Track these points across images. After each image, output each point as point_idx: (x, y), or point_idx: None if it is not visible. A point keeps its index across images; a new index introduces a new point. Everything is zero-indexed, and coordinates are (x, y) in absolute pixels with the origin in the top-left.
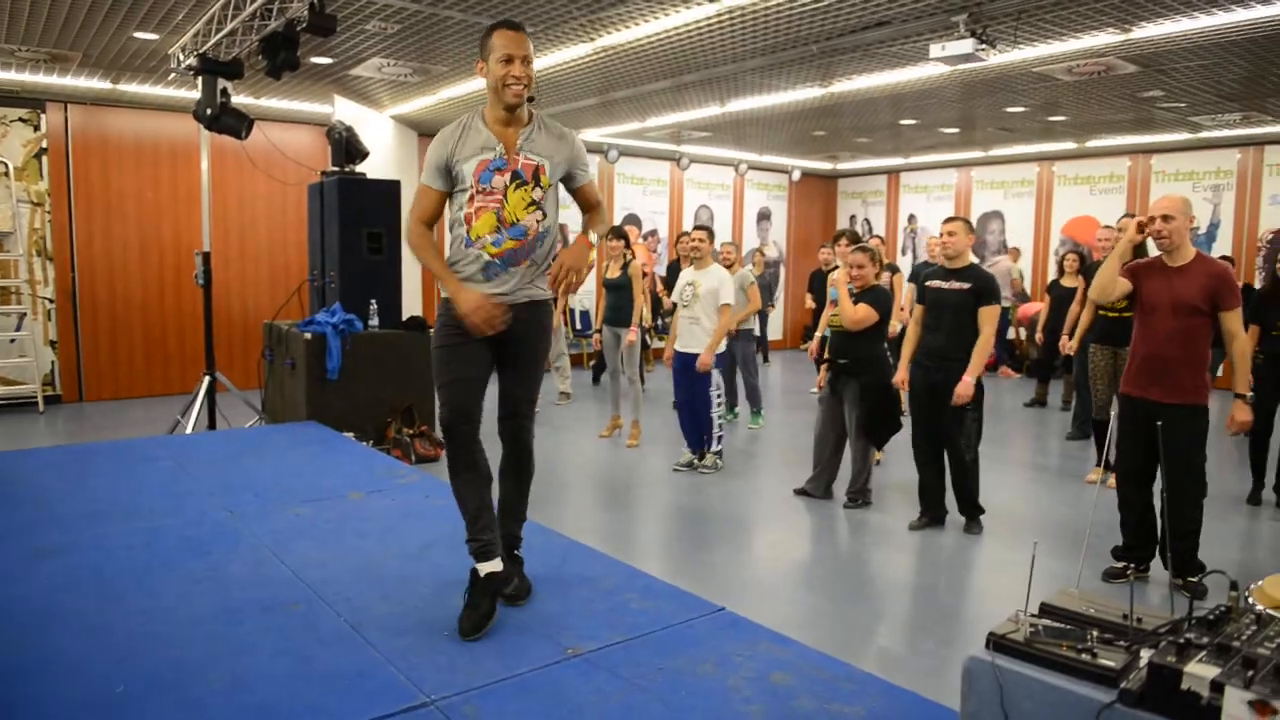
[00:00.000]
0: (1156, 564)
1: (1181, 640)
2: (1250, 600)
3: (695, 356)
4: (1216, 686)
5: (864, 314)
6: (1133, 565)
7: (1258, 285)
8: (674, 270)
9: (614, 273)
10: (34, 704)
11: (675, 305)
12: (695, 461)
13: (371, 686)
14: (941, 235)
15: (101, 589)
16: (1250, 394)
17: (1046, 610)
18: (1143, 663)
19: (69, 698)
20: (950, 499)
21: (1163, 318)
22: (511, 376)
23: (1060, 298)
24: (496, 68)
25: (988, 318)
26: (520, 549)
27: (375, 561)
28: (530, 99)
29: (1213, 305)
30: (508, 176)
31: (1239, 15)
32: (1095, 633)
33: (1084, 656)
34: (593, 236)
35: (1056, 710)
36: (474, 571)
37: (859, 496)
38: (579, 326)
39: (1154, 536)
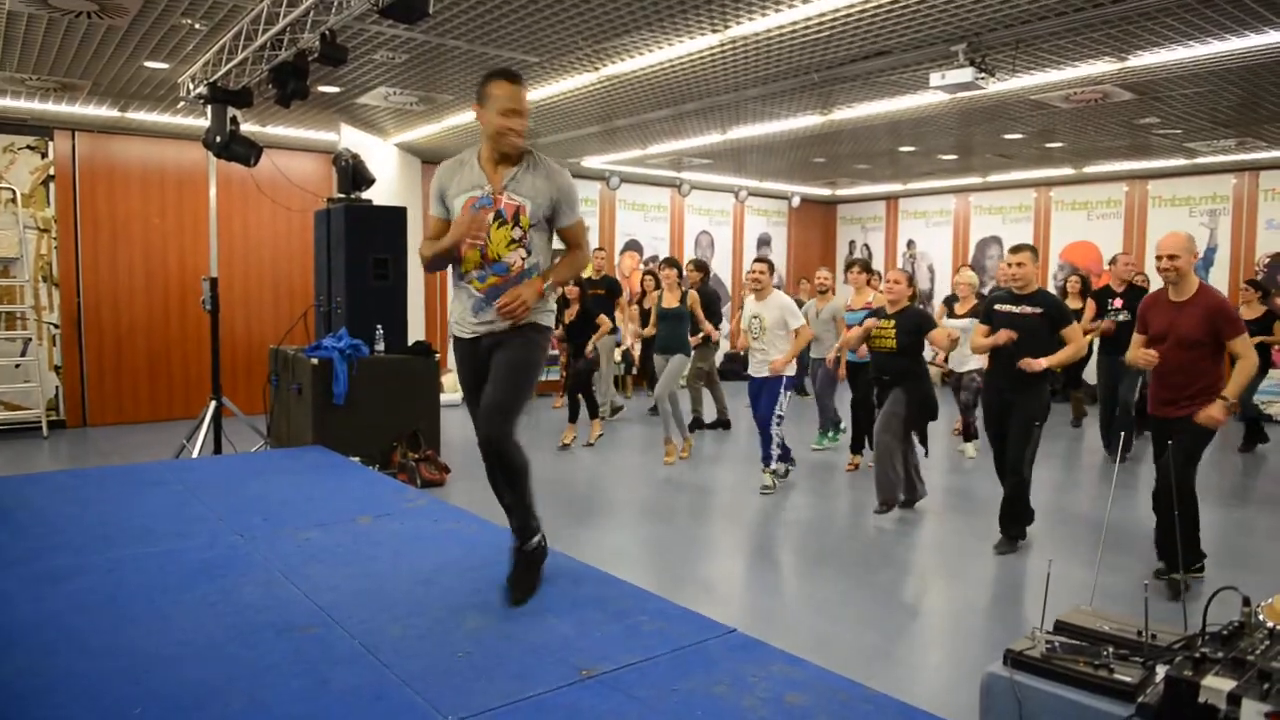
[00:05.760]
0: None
1: (1197, 655)
2: (1261, 617)
3: (766, 379)
4: (1234, 699)
5: (951, 333)
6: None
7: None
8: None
9: (670, 302)
10: None
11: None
12: (772, 478)
13: (389, 707)
14: (1010, 265)
15: (115, 612)
16: (1233, 400)
17: (1061, 627)
18: (1159, 677)
19: None
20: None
21: (1170, 351)
22: (488, 388)
23: None
24: (497, 119)
25: (1071, 336)
26: (528, 544)
27: (386, 585)
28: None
29: (1215, 336)
30: (491, 215)
31: (1232, 44)
32: (1111, 649)
33: (1101, 672)
34: (549, 282)
35: None
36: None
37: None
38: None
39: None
